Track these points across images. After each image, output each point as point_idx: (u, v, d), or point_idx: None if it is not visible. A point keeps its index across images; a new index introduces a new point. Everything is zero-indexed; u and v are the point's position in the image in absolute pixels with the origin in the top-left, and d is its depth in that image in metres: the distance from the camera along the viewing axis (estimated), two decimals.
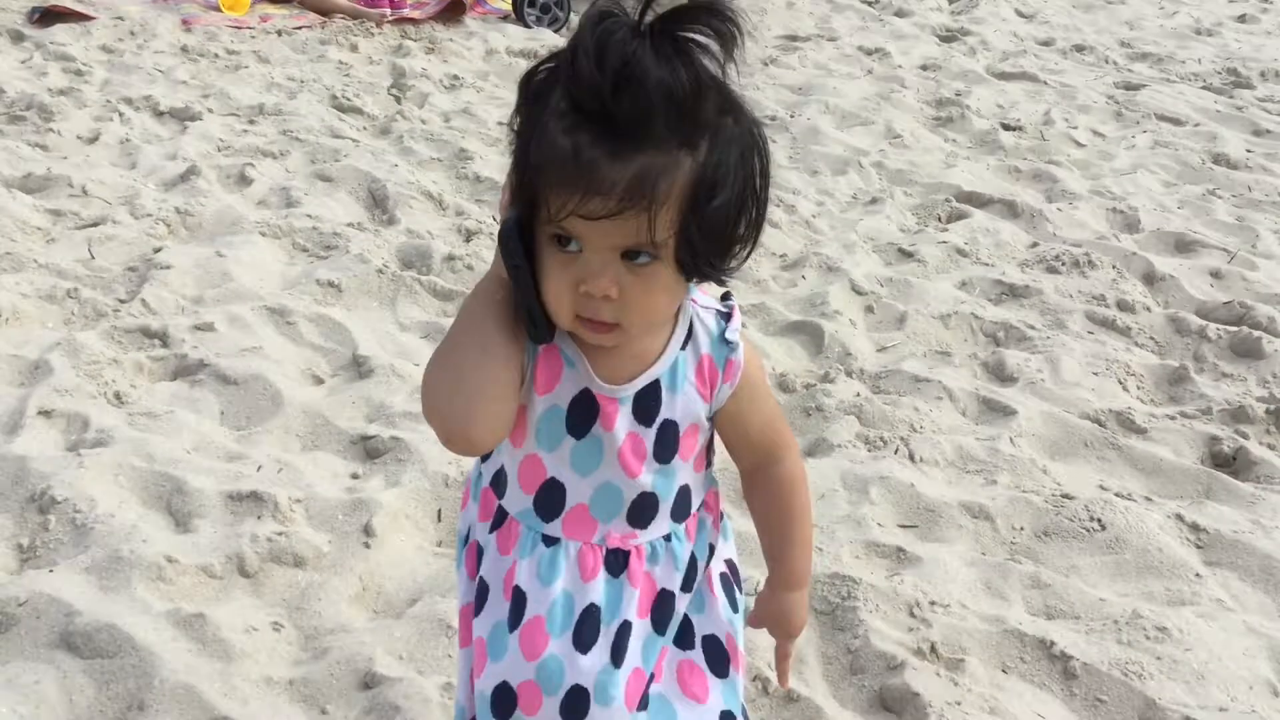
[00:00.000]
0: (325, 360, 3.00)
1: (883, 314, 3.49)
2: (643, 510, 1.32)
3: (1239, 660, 2.18)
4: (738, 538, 1.66)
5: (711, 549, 1.42)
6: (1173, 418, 3.00)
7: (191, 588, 2.15)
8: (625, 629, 1.32)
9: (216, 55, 5.57)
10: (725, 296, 1.33)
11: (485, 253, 3.58)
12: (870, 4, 7.67)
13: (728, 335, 1.29)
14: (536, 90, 1.11)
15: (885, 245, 3.95)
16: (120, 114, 4.58)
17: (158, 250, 3.41)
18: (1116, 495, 2.63)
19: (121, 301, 3.14)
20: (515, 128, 1.14)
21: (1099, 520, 2.52)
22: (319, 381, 2.92)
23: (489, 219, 3.88)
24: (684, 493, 1.35)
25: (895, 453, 2.74)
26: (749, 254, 1.19)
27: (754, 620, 1.49)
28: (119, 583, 2.11)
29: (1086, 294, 3.64)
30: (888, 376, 3.09)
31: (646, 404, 1.27)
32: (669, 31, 1.05)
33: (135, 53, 5.47)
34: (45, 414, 2.60)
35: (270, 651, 2.03)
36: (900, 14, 7.45)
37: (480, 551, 1.39)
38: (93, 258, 3.35)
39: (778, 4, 7.52)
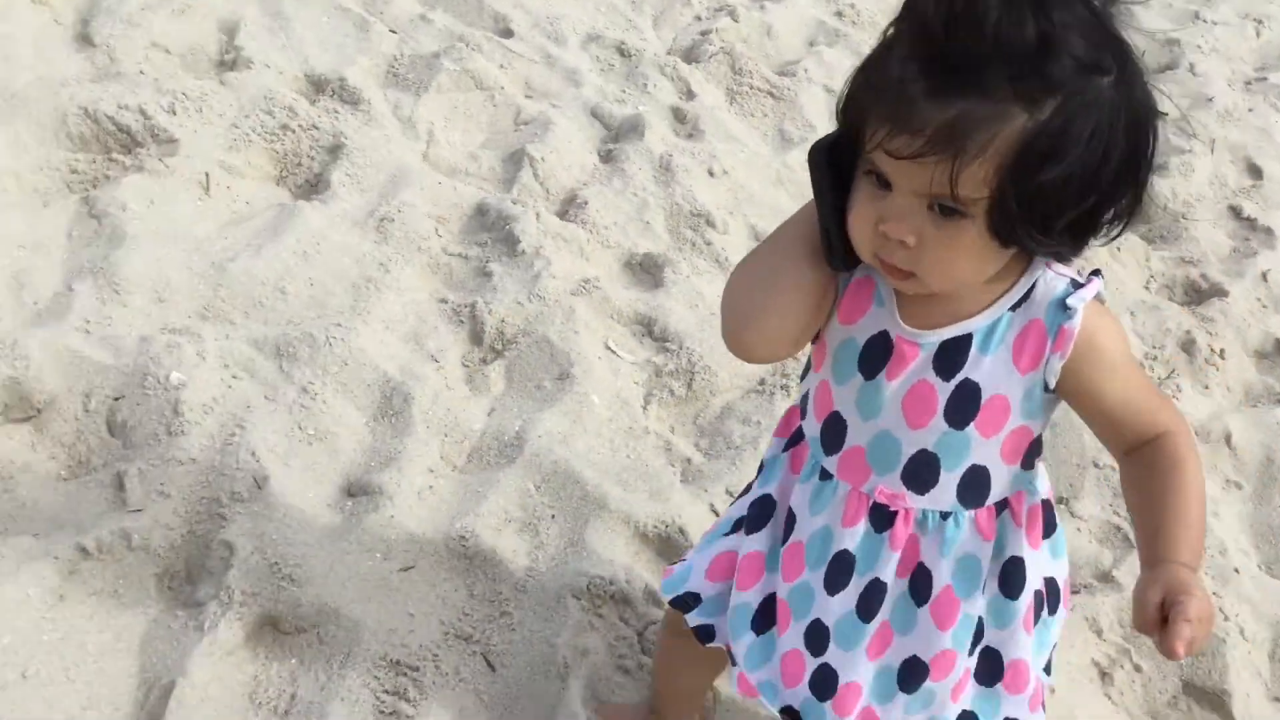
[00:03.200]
0: None
1: None
2: (920, 471, 1.22)
3: None
4: None
5: (1020, 563, 1.28)
6: None
7: None
8: (877, 586, 1.28)
9: None
10: (1095, 272, 1.17)
11: None
12: None
13: (1069, 301, 1.13)
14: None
15: None
16: None
17: None
18: None
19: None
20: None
21: None
22: None
23: None
24: (976, 474, 1.22)
25: None
26: (1112, 235, 1.08)
27: (1139, 619, 1.07)
28: None
29: None
30: None
31: (951, 356, 1.16)
32: None
33: None
34: None
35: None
36: None
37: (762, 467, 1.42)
38: None
39: None
